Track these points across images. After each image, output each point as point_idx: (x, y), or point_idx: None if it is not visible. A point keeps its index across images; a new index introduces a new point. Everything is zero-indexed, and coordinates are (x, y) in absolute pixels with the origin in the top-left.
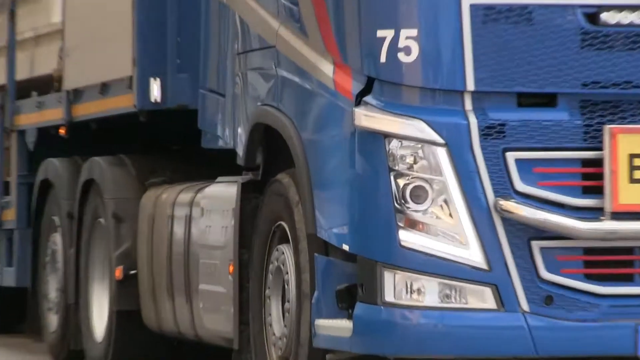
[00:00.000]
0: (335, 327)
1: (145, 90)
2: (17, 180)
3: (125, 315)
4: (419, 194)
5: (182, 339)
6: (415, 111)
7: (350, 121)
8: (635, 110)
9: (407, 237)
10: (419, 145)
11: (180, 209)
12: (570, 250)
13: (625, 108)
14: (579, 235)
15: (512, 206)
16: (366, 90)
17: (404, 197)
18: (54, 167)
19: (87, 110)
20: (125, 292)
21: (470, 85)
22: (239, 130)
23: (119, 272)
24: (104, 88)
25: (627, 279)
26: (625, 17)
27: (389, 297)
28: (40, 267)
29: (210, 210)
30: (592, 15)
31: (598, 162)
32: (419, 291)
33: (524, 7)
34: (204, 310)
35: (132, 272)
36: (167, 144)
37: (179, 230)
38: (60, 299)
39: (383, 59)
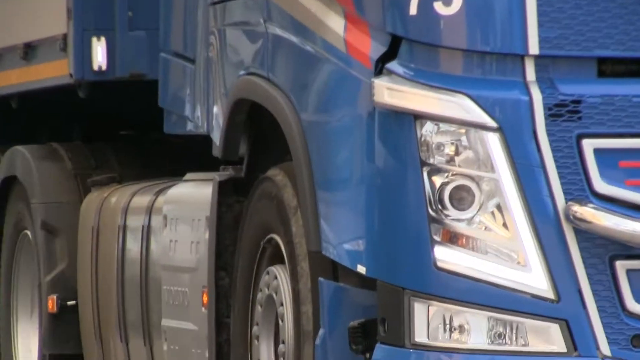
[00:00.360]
0: None
1: (85, 53)
2: None
3: None
4: (462, 197)
5: None
6: (458, 83)
7: (368, 97)
8: None
9: (446, 256)
10: (463, 130)
11: (134, 218)
12: None
13: None
14: None
15: (589, 213)
16: (390, 54)
17: (441, 201)
18: None
19: (5, 81)
20: (61, 330)
21: (534, 48)
22: (215, 109)
23: (52, 304)
24: (29, 51)
25: None
26: None
27: (420, 336)
28: None
29: (175, 219)
30: None
31: None
32: (461, 329)
33: None
34: (168, 355)
35: (70, 303)
36: (116, 129)
37: (133, 246)
38: None
39: (413, 10)
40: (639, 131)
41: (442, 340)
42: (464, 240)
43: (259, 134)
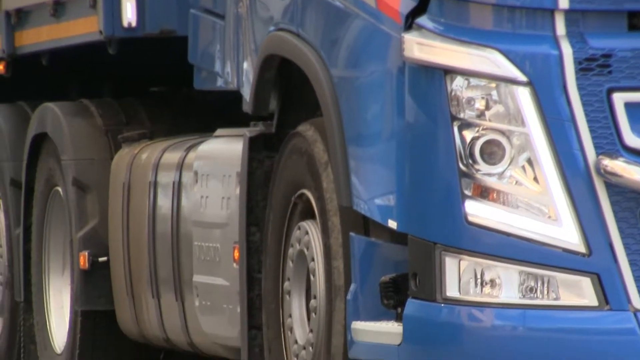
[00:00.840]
0: (378, 333)
1: (115, 10)
2: None
3: (93, 318)
4: (492, 152)
5: (171, 349)
6: (488, 38)
7: (398, 52)
8: None
9: (477, 210)
10: (493, 85)
11: (165, 174)
12: None
13: None
14: None
15: (620, 167)
16: (420, 8)
17: (472, 155)
18: None
19: (35, 38)
20: (93, 286)
21: (564, 2)
22: (245, 65)
23: (83, 260)
24: (58, 8)
25: None
26: None
27: (451, 291)
28: None
29: (206, 175)
30: None
31: None
32: (492, 283)
33: None
34: (200, 311)
35: (102, 259)
36: (146, 86)
37: (164, 202)
38: (4, 297)
39: None
40: None
41: (473, 294)
42: (494, 194)
43: (289, 89)
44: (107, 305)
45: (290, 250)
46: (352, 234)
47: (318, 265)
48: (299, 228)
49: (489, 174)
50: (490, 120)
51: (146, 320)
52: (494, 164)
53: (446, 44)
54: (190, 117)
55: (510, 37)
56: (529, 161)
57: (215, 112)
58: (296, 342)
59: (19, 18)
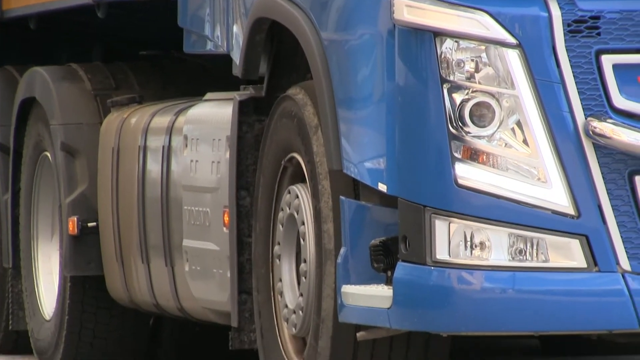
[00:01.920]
0: (368, 296)
1: None
2: None
3: (82, 284)
4: (482, 114)
5: (160, 315)
6: (477, 0)
7: (388, 14)
8: None
9: (466, 173)
10: (482, 47)
11: (155, 138)
12: None
13: None
14: None
15: (608, 129)
16: None
17: (461, 118)
18: None
19: (23, 1)
20: (82, 252)
21: None
22: (235, 28)
23: (72, 225)
24: None
25: None
26: None
27: (441, 253)
28: None
29: (196, 139)
30: None
31: None
32: (482, 245)
33: None
34: (190, 276)
35: (91, 224)
36: (135, 50)
37: (153, 167)
38: None
39: None
40: None
41: (463, 257)
42: (484, 157)
43: (279, 53)
44: (97, 271)
45: (281, 214)
46: (342, 197)
47: (308, 229)
48: (289, 192)
49: (479, 137)
50: (479, 83)
51: (136, 285)
52: (483, 126)
53: (436, 6)
54: (180, 81)
55: None
56: (519, 123)
57: (204, 76)
58: (286, 306)
59: None
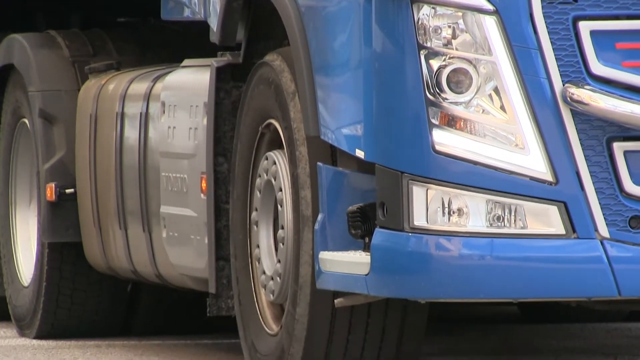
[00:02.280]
0: (346, 262)
1: None
2: None
3: (60, 250)
4: (459, 80)
5: (138, 281)
6: None
7: None
8: None
9: (444, 139)
10: (459, 13)
11: (132, 105)
12: None
13: None
14: None
15: (586, 95)
16: None
17: (438, 84)
18: None
19: None
20: (60, 218)
21: None
22: None
23: (50, 192)
24: None
25: None
26: None
27: (419, 220)
28: None
29: (173, 106)
30: None
31: None
32: (460, 212)
33: None
34: (167, 242)
35: (69, 191)
36: (113, 16)
37: (131, 133)
38: None
39: None
40: (635, 13)
41: (440, 223)
42: (461, 123)
43: (256, 19)
44: (75, 237)
45: (258, 181)
46: (319, 163)
47: (286, 196)
48: (267, 158)
49: (456, 103)
50: (457, 49)
51: (113, 252)
52: (461, 92)
53: None
54: (158, 47)
55: None
56: (496, 90)
57: (182, 42)
58: (264, 272)
59: None
